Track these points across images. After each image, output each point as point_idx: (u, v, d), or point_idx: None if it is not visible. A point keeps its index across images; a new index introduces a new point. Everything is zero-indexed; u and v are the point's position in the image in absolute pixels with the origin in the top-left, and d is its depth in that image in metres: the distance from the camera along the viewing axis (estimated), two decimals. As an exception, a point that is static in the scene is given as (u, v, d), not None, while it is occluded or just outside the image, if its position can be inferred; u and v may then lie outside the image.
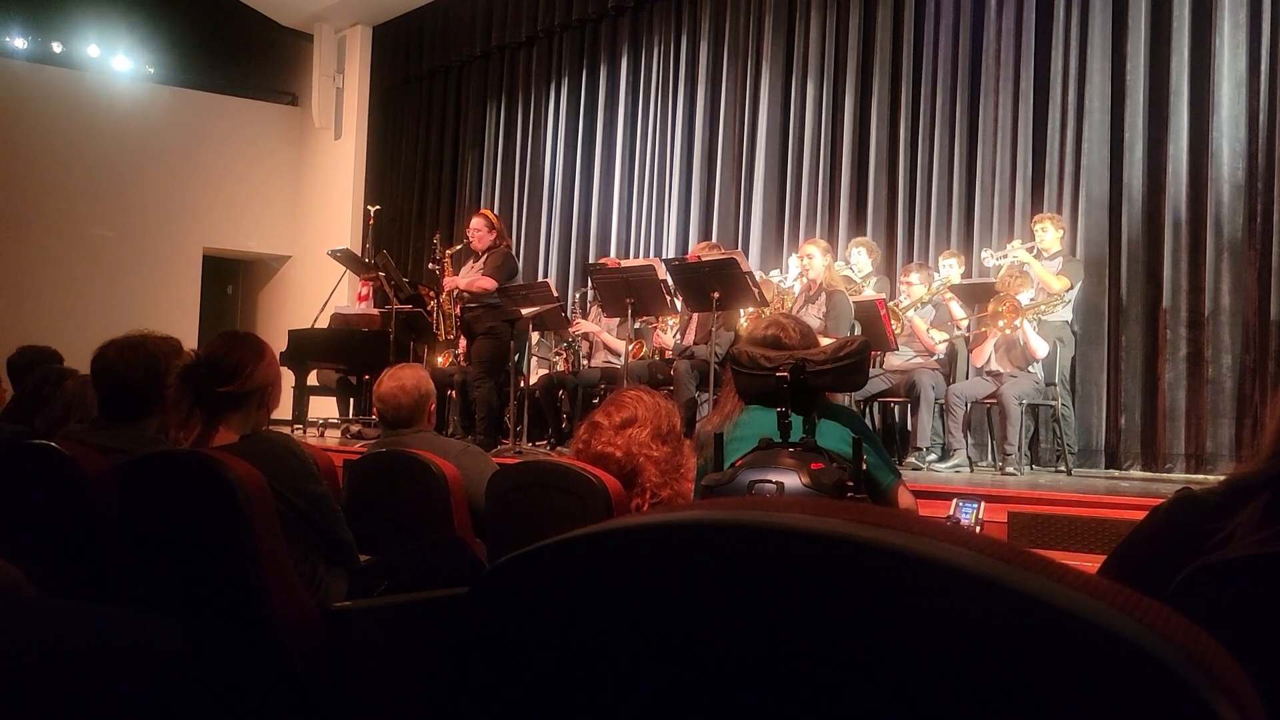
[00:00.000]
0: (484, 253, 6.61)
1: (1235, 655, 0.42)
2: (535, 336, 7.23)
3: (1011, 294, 5.53)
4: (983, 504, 3.68)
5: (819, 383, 2.27)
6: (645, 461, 2.49)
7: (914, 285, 6.21)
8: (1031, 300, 5.64)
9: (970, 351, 6.04)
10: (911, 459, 5.69)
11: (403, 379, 3.41)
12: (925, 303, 6.18)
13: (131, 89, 11.46)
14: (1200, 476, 5.64)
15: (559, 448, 6.26)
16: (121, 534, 2.25)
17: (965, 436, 5.74)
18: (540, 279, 8.43)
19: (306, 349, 8.17)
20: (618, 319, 6.53)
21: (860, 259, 6.63)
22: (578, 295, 8.67)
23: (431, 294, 7.90)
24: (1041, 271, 5.72)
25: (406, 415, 3.39)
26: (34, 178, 10.85)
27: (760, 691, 0.49)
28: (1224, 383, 5.83)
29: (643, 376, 6.00)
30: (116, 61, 11.40)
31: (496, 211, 8.63)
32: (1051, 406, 5.67)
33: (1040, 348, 5.51)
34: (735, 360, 2.40)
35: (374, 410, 3.77)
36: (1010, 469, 5.37)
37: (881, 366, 6.02)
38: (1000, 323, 5.50)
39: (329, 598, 2.30)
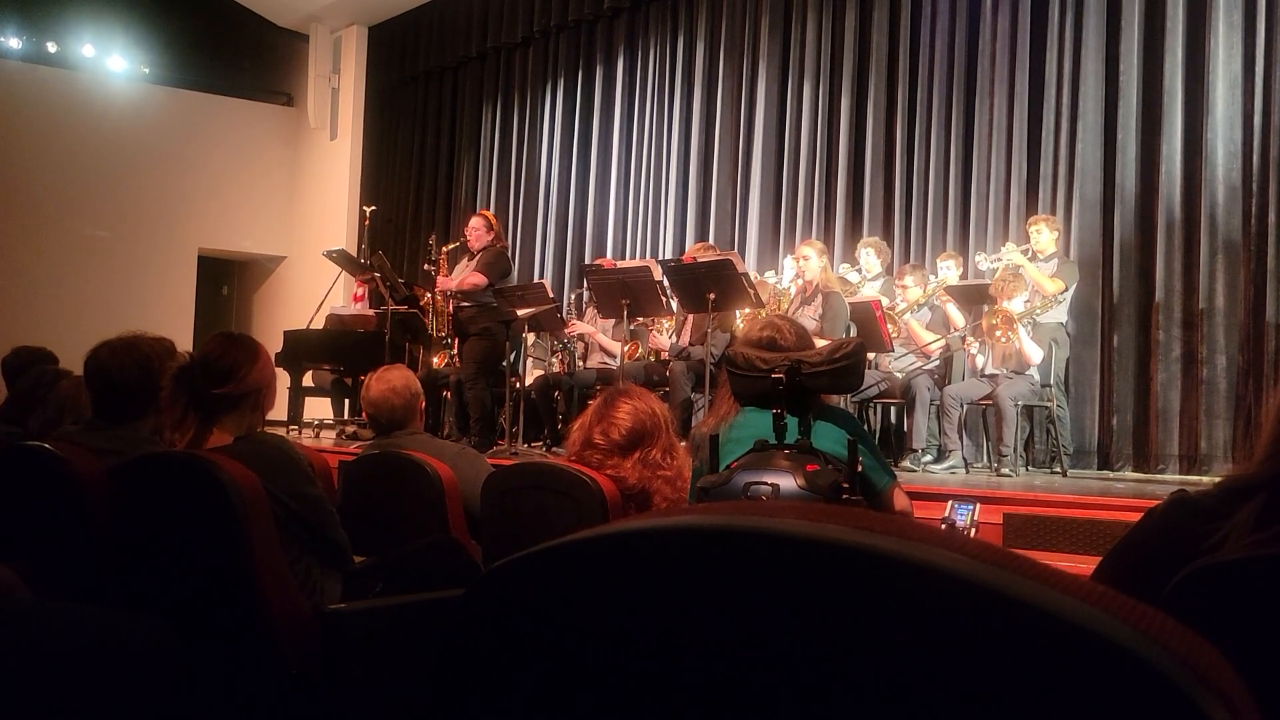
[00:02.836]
0: (479, 252, 6.63)
1: (1231, 658, 0.42)
2: (531, 337, 7.22)
3: (1004, 305, 5.50)
4: (978, 505, 3.69)
5: (815, 384, 2.27)
6: (661, 484, 2.49)
7: (909, 288, 6.21)
8: (1027, 304, 5.64)
9: (967, 355, 6.04)
10: (907, 460, 5.69)
11: (391, 381, 3.39)
12: (921, 305, 6.18)
13: (126, 89, 11.43)
14: (1194, 478, 5.65)
15: (554, 449, 6.25)
16: (115, 536, 2.24)
17: (961, 438, 5.74)
18: (536, 280, 8.43)
19: (302, 350, 8.16)
20: (613, 320, 6.52)
21: (869, 259, 6.58)
22: (573, 296, 8.67)
23: (426, 294, 7.89)
24: (1035, 274, 5.72)
25: (400, 417, 3.38)
26: (28, 178, 10.82)
27: (756, 698, 0.48)
28: (1218, 384, 5.83)
29: (638, 378, 5.99)
30: (111, 61, 11.37)
31: (493, 212, 8.60)
32: (1047, 408, 5.67)
33: (1035, 354, 5.50)
34: (731, 362, 2.40)
35: (364, 415, 3.74)
36: (1005, 470, 5.37)
37: (877, 368, 6.02)
38: (997, 333, 5.49)
39: (324, 599, 2.30)
